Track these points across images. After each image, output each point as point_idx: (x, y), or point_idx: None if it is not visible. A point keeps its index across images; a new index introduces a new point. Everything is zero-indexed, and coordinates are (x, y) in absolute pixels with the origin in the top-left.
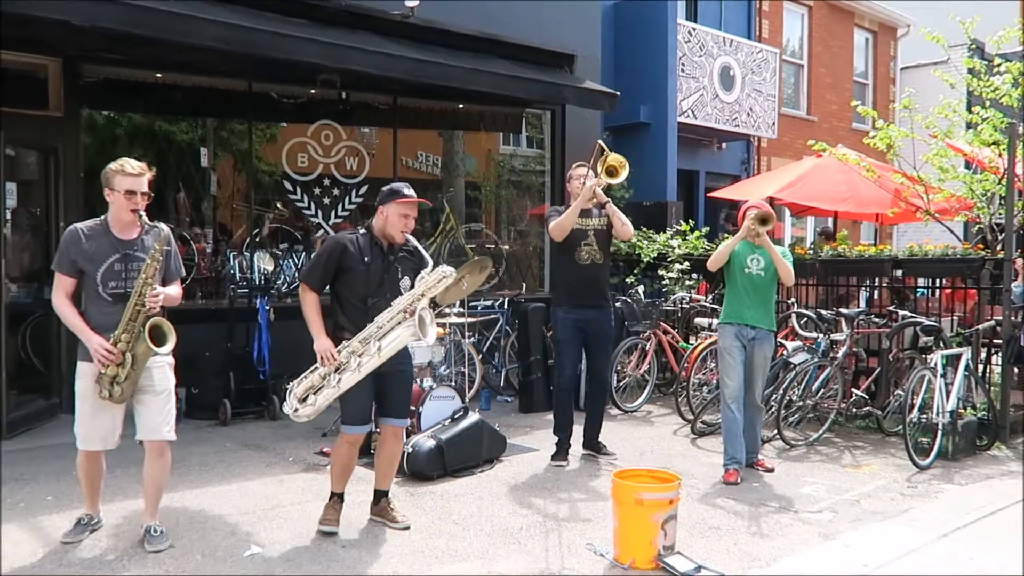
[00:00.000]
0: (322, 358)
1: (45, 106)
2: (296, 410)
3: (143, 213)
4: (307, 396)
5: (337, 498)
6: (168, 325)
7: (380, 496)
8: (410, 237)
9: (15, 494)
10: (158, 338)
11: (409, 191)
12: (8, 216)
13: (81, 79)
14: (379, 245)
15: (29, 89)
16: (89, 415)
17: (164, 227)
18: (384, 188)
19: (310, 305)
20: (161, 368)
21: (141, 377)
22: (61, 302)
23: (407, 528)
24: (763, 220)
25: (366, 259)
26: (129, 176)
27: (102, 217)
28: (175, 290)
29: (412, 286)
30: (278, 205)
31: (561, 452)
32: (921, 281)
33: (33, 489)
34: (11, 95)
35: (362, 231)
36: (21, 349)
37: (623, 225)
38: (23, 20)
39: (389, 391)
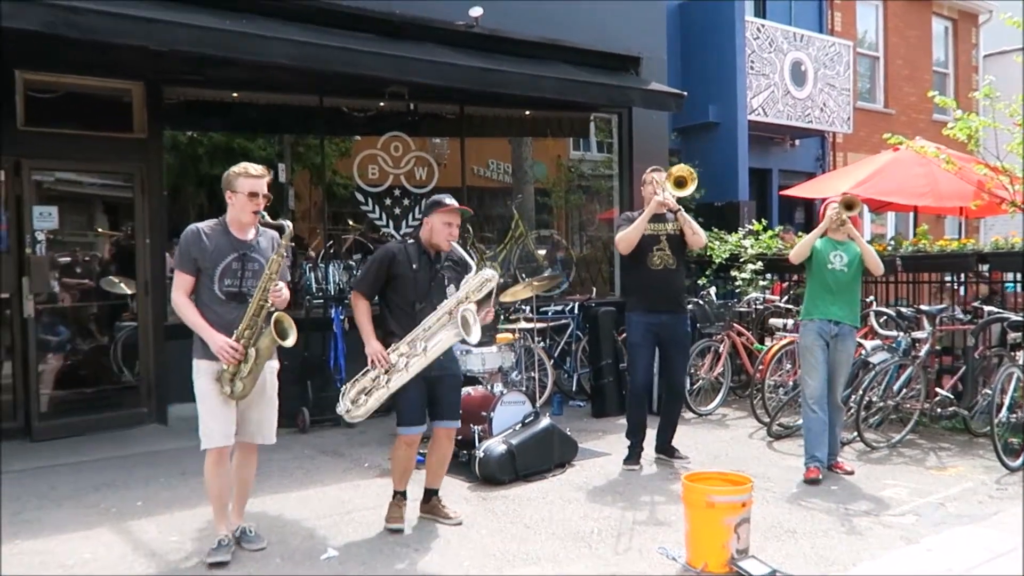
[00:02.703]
0: (373, 360)
1: (130, 129)
2: (348, 411)
3: (265, 213)
4: (359, 398)
5: (401, 496)
6: (289, 320)
7: (431, 494)
8: (455, 246)
9: (108, 499)
10: (280, 333)
11: (450, 200)
12: (42, 237)
13: (163, 101)
14: (427, 254)
15: (115, 113)
16: (211, 412)
17: (288, 224)
18: (427, 200)
19: (362, 312)
20: (272, 373)
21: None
22: (182, 301)
23: (459, 524)
24: (849, 205)
25: (414, 266)
26: (252, 178)
27: (220, 218)
28: (286, 291)
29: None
30: (350, 222)
31: (633, 456)
32: (1009, 276)
33: (124, 495)
34: (100, 119)
35: (411, 241)
36: (113, 361)
37: (694, 234)
38: (105, 46)
39: (440, 394)
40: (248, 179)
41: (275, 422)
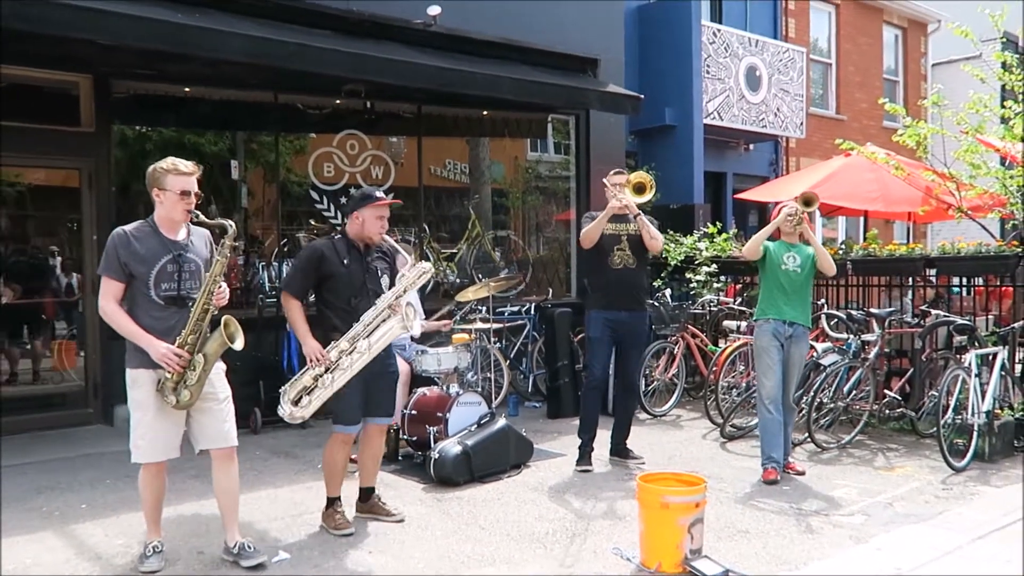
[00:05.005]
0: (312, 359)
1: (77, 122)
2: (290, 413)
3: (199, 213)
4: (300, 398)
5: (337, 502)
6: (236, 323)
7: (368, 493)
8: (386, 237)
9: (52, 502)
10: (229, 336)
11: (381, 194)
12: None
13: (111, 95)
14: (356, 248)
15: (62, 106)
16: (150, 425)
17: (231, 224)
18: (355, 193)
19: (295, 312)
20: (219, 375)
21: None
22: (112, 309)
23: (401, 521)
24: (807, 201)
25: (345, 262)
26: (183, 175)
27: (148, 219)
28: (227, 292)
29: (391, 284)
30: (312, 222)
31: (584, 457)
32: (956, 280)
33: (69, 498)
34: (45, 112)
35: (337, 237)
36: (57, 360)
37: (652, 239)
38: (54, 39)
39: (375, 391)
40: (179, 177)
41: (233, 422)
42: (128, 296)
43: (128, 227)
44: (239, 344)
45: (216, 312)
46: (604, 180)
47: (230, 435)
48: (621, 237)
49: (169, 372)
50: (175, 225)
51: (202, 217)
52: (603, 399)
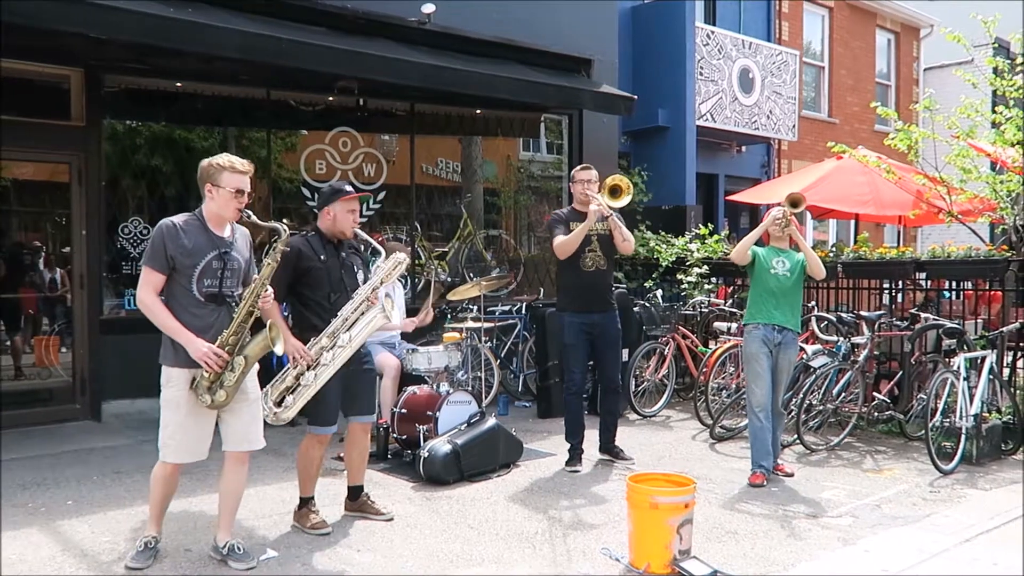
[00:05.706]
0: (294, 358)
1: (67, 116)
2: (275, 414)
3: (250, 212)
4: (283, 399)
5: (311, 502)
6: (279, 327)
7: (357, 492)
8: (359, 231)
9: (37, 498)
10: (272, 339)
11: (349, 188)
12: None
13: (102, 89)
14: (331, 243)
15: (52, 99)
16: (180, 425)
17: (284, 227)
18: (324, 189)
19: (273, 312)
20: (251, 376)
21: None
22: (152, 301)
23: (391, 519)
24: (794, 203)
25: (322, 257)
26: (239, 173)
27: (195, 212)
28: (272, 293)
29: (367, 278)
30: (284, 220)
31: (575, 457)
32: (946, 284)
33: (55, 494)
34: (35, 105)
35: (311, 234)
36: (45, 355)
37: (624, 240)
38: (46, 32)
39: (357, 389)
40: (235, 175)
41: (261, 424)
42: (166, 291)
43: (176, 219)
44: (280, 348)
45: (259, 314)
46: (573, 175)
47: (254, 438)
48: (592, 238)
49: (207, 371)
50: (223, 222)
51: (253, 217)
52: (591, 399)
